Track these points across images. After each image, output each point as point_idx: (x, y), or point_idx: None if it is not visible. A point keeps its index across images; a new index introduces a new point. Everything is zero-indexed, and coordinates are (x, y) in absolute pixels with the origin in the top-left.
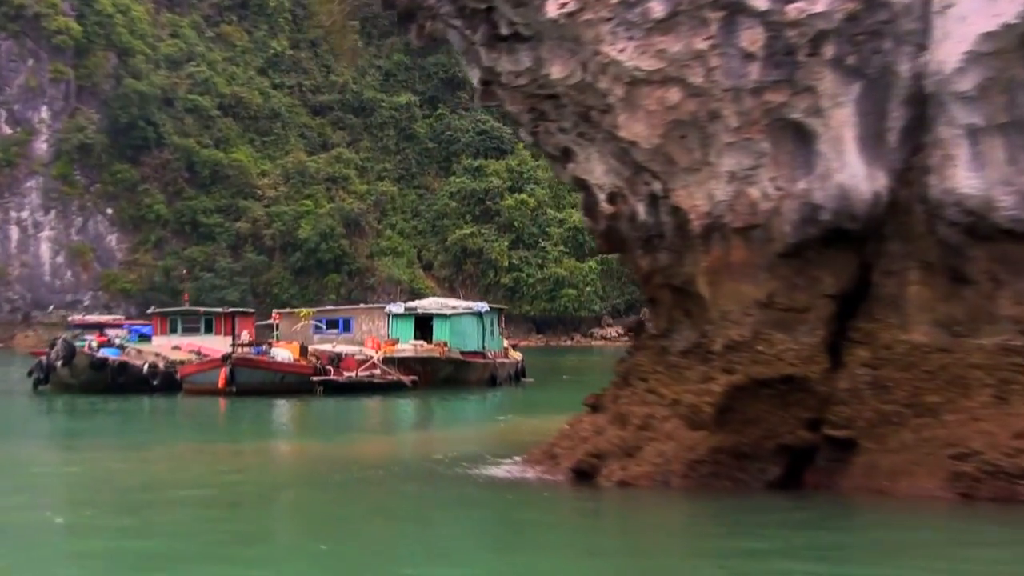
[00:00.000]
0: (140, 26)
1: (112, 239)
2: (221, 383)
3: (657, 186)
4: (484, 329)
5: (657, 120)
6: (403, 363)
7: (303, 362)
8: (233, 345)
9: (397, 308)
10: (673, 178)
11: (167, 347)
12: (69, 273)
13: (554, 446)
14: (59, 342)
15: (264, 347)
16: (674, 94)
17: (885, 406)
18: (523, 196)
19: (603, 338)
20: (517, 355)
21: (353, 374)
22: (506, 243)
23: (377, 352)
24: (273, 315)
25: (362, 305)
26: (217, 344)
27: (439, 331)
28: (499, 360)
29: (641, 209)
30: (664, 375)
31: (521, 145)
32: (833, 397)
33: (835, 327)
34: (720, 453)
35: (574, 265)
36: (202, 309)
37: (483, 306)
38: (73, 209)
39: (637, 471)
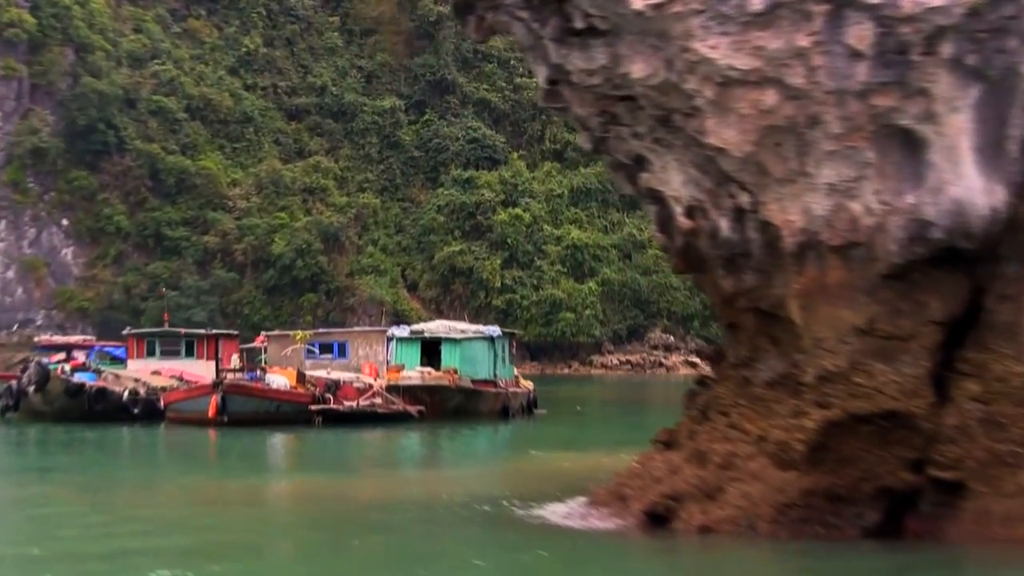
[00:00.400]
0: (100, 20)
1: (68, 253)
2: (212, 412)
3: (745, 199)
4: (495, 355)
5: (750, 125)
6: (408, 392)
7: (300, 390)
8: (221, 370)
9: (401, 331)
10: (764, 190)
11: (145, 372)
12: (20, 290)
13: (622, 486)
14: (32, 365)
15: (258, 373)
16: (770, 96)
17: (999, 445)
18: (517, 211)
19: (603, 366)
20: (528, 384)
21: (354, 403)
22: (498, 262)
23: (375, 379)
24: (258, 338)
25: (359, 328)
26: (199, 369)
27: (448, 357)
28: (511, 390)
29: (724, 224)
30: (748, 409)
31: (516, 155)
32: (939, 435)
33: (941, 357)
34: (812, 496)
35: (572, 287)
36: (183, 331)
37: (495, 330)
38: (25, 220)
39: (719, 515)
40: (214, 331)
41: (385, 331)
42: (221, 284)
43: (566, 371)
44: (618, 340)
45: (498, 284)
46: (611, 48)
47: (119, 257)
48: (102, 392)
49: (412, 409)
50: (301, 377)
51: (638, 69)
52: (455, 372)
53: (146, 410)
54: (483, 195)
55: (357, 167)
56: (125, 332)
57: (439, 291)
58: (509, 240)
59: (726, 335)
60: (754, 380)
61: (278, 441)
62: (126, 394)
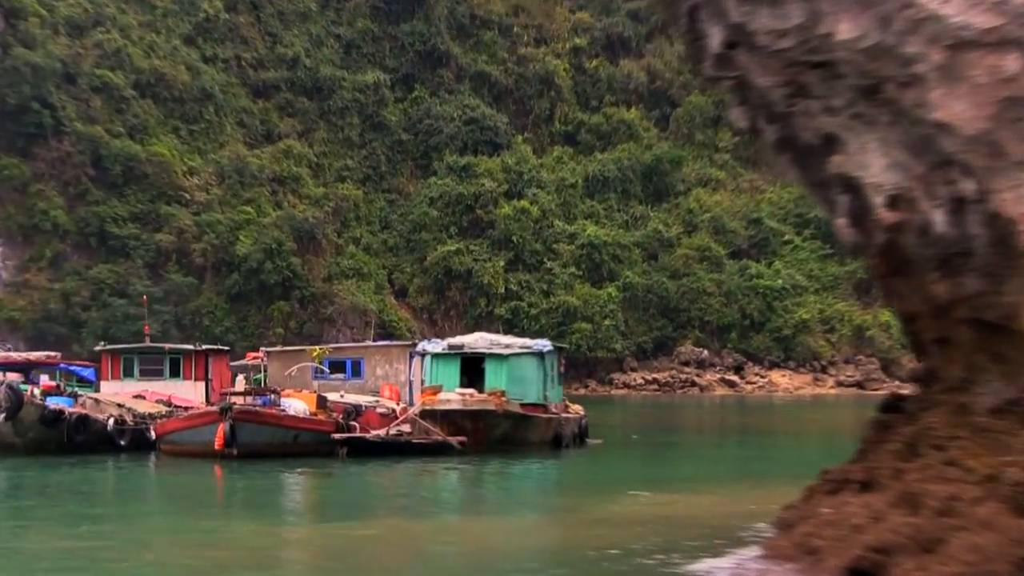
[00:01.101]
0: None
1: None
2: (218, 443)
3: (968, 186)
4: (545, 374)
5: (985, 96)
6: (446, 418)
7: (322, 416)
8: (222, 393)
9: (435, 346)
10: (996, 175)
11: (124, 396)
12: None
13: (811, 536)
14: (3, 388)
15: (271, 397)
16: (1013, 61)
17: None
18: (523, 203)
19: (625, 386)
20: (578, 409)
21: (383, 432)
22: (502, 263)
23: (397, 403)
24: (249, 354)
25: (377, 342)
26: (187, 392)
27: (493, 377)
28: (564, 415)
29: (939, 217)
30: (970, 442)
31: (520, 138)
32: None
33: None
34: None
35: (589, 292)
36: (167, 346)
37: (545, 344)
38: None
39: (943, 572)
40: (203, 347)
41: (409, 346)
42: (177, 290)
43: (581, 391)
44: (642, 355)
45: (501, 290)
46: (810, 3)
47: (56, 259)
48: (83, 420)
49: (453, 440)
50: (322, 402)
51: (844, 29)
52: (502, 394)
53: (134, 441)
54: (483, 185)
55: (335, 153)
56: (97, 348)
57: (432, 298)
58: (514, 238)
59: (926, 352)
60: (975, 407)
61: (302, 478)
62: (111, 422)
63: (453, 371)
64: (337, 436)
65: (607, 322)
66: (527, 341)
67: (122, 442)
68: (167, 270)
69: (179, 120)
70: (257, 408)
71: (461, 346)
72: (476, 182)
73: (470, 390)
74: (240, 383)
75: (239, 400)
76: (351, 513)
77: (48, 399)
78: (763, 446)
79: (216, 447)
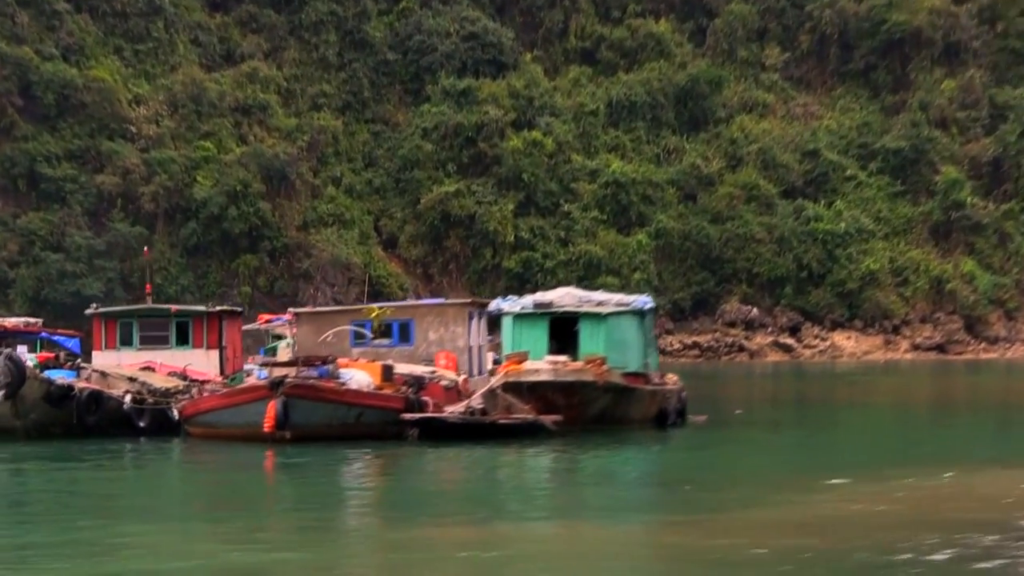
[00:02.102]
0: None
1: None
2: (268, 424)
3: None
4: (645, 337)
5: None
6: (533, 391)
7: (389, 390)
8: (275, 364)
9: (514, 305)
10: None
11: (131, 367)
12: None
13: None
14: (1, 360)
15: (330, 368)
16: None
17: None
18: (535, 134)
19: (660, 351)
20: (674, 378)
21: (460, 410)
22: (511, 206)
23: (453, 372)
24: (262, 317)
25: (430, 300)
26: (201, 362)
27: (589, 341)
28: (666, 387)
29: None
30: None
31: (530, 56)
32: None
33: None
34: None
35: (615, 240)
36: (174, 308)
37: (645, 300)
38: None
39: None
40: (217, 308)
41: (467, 305)
42: (122, 242)
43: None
44: (679, 315)
45: (511, 238)
46: None
47: None
48: (96, 398)
49: (547, 418)
50: (388, 373)
51: None
52: (602, 362)
53: (154, 422)
54: (486, 113)
55: (309, 76)
56: (90, 311)
57: (427, 248)
58: (524, 176)
59: None
60: None
61: (378, 467)
62: (128, 400)
63: (540, 334)
64: (407, 416)
65: (637, 275)
66: (623, 297)
67: (141, 423)
68: (111, 218)
69: (122, 39)
70: (315, 382)
71: (549, 304)
72: (478, 110)
73: (562, 357)
74: (284, 350)
75: (285, 371)
76: (484, 513)
77: (45, 372)
78: (901, 422)
79: (265, 429)
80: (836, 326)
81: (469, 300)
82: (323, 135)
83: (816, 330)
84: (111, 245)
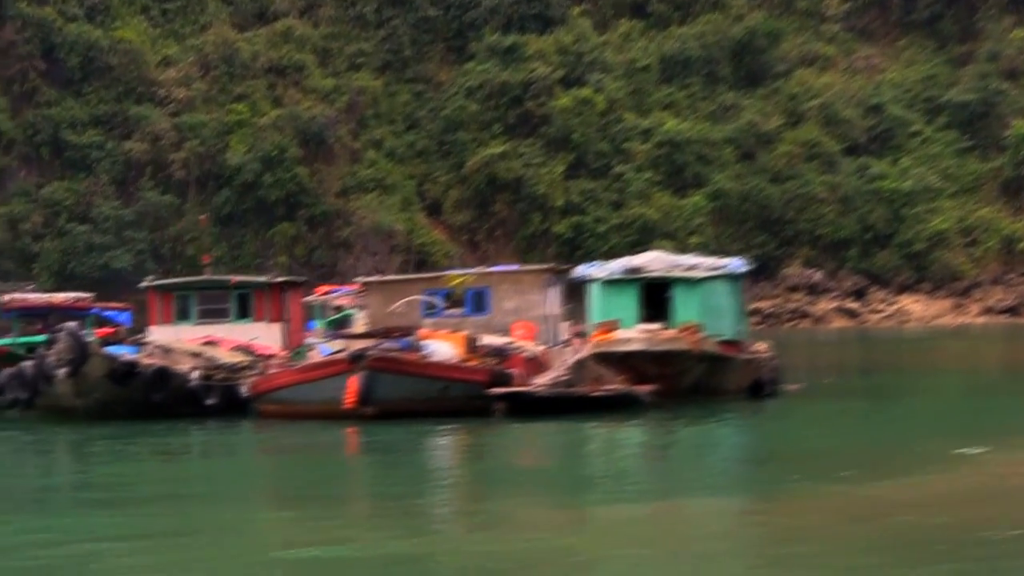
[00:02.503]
0: None
1: None
2: (350, 399)
3: None
4: (738, 303)
5: None
6: (625, 361)
7: (474, 362)
8: (345, 336)
9: (600, 270)
10: None
11: (192, 342)
12: None
13: None
14: (63, 336)
15: (411, 339)
16: None
17: None
18: (585, 92)
19: None
20: (764, 346)
21: (544, 382)
22: (560, 168)
23: (532, 342)
24: (320, 288)
25: (506, 267)
26: (263, 335)
27: (683, 307)
28: (760, 356)
29: None
30: None
31: (578, 10)
32: None
33: None
34: None
35: (670, 202)
36: (234, 279)
37: (739, 264)
38: None
39: None
40: (279, 279)
41: (546, 271)
42: (153, 212)
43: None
44: None
45: (560, 202)
46: None
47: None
48: (163, 375)
49: (641, 390)
50: (472, 344)
51: None
52: (698, 330)
53: (223, 399)
54: (533, 71)
55: (346, 34)
56: (144, 284)
57: (473, 214)
58: (574, 136)
59: None
60: None
61: (474, 443)
62: (195, 376)
63: (631, 301)
64: (494, 390)
65: (694, 239)
66: (715, 260)
67: (209, 401)
68: (140, 187)
69: None
70: (398, 355)
71: (640, 269)
72: (524, 67)
73: (656, 325)
74: (359, 321)
75: (363, 344)
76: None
77: (106, 348)
78: (1006, 388)
79: (346, 405)
80: (903, 289)
81: (547, 267)
82: (362, 96)
83: (882, 294)
84: (140, 215)
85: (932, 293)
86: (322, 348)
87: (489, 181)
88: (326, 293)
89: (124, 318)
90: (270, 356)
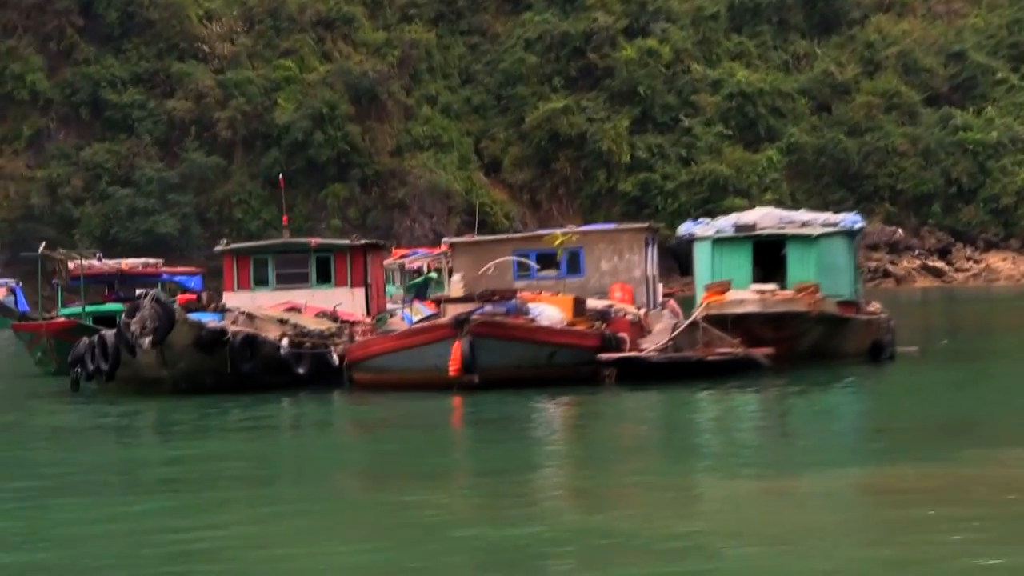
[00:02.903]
0: None
1: None
2: (454, 367)
3: None
4: (855, 261)
5: None
6: (738, 324)
7: (583, 326)
8: (440, 299)
9: (707, 228)
10: None
11: (274, 309)
12: None
13: None
14: (147, 302)
15: (516, 303)
16: None
17: None
18: (650, 42)
19: None
20: (878, 306)
21: (654, 347)
22: (625, 123)
23: (630, 306)
24: (397, 251)
25: (602, 226)
26: (346, 301)
27: (798, 267)
28: (878, 316)
29: None
30: None
31: None
32: None
33: None
34: None
35: (742, 157)
36: (314, 242)
37: (855, 219)
38: None
39: None
40: (361, 241)
41: (644, 230)
42: (198, 174)
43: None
44: None
45: (626, 158)
46: None
47: (37, 138)
48: (251, 342)
49: (758, 353)
50: (580, 307)
51: None
52: (816, 290)
53: (313, 368)
54: (595, 20)
55: None
56: (219, 249)
57: (534, 172)
58: (640, 89)
59: None
60: None
61: (595, 412)
62: (285, 343)
63: (744, 261)
64: (603, 356)
65: (768, 195)
66: (829, 215)
67: (300, 370)
68: (184, 148)
69: None
70: (503, 319)
71: (753, 226)
72: (585, 16)
73: (771, 285)
74: (457, 285)
75: (457, 308)
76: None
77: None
78: None
79: (451, 373)
80: (990, 247)
81: (644, 225)
82: (415, 50)
83: (968, 251)
84: (185, 177)
85: (1021, 250)
86: (404, 315)
87: (550, 137)
88: (402, 256)
89: (196, 283)
90: (355, 323)
